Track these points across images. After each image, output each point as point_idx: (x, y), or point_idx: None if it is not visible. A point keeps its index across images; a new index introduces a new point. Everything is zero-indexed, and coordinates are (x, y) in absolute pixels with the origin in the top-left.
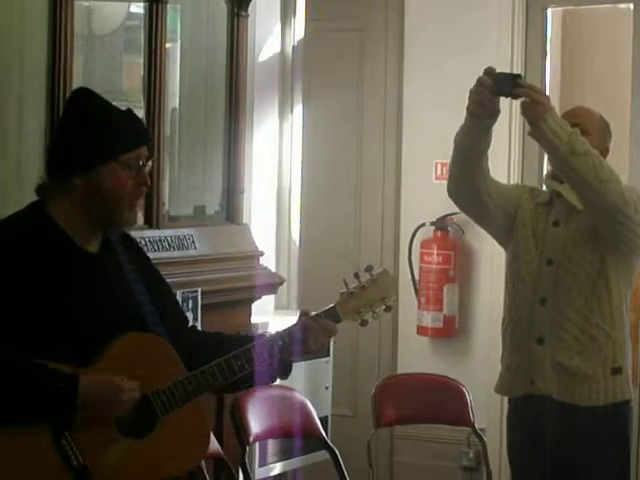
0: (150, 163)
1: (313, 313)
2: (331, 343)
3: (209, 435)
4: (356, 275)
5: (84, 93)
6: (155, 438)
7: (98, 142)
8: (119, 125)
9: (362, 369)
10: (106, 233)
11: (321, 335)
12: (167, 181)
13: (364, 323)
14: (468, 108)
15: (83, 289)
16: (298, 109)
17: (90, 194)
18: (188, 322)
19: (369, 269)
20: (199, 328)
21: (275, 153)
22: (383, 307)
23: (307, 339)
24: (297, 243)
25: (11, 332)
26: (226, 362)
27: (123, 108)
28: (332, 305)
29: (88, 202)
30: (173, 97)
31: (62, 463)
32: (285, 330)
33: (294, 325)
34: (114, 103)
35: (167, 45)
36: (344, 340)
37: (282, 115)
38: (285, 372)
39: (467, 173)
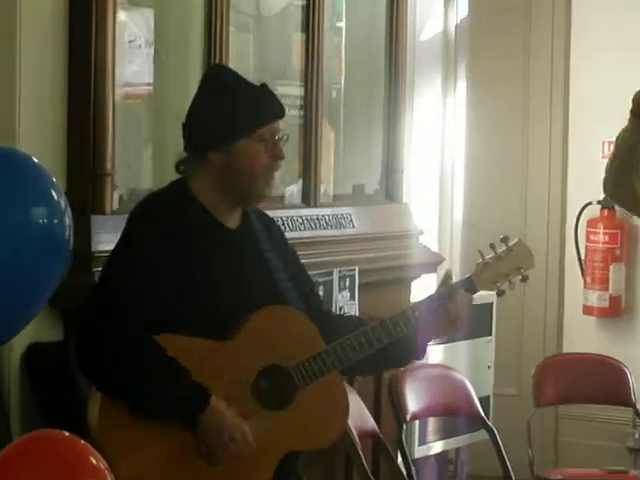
0: (286, 137)
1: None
2: (493, 323)
3: (348, 408)
4: (492, 246)
5: (218, 70)
6: (294, 410)
7: (232, 118)
8: (253, 100)
9: (527, 349)
10: (242, 207)
11: (456, 306)
12: (326, 160)
13: (500, 293)
14: (632, 111)
15: (223, 263)
16: (461, 87)
17: (226, 169)
18: (322, 304)
19: (505, 240)
20: (356, 306)
21: (437, 131)
22: (519, 277)
23: (443, 309)
24: (460, 222)
25: (153, 303)
26: (364, 334)
27: (257, 84)
28: (468, 275)
29: (225, 177)
30: (339, 76)
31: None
32: (421, 301)
33: (430, 296)
34: (283, 82)
35: (338, 24)
36: (509, 320)
37: (445, 93)
38: (420, 353)
39: (625, 174)
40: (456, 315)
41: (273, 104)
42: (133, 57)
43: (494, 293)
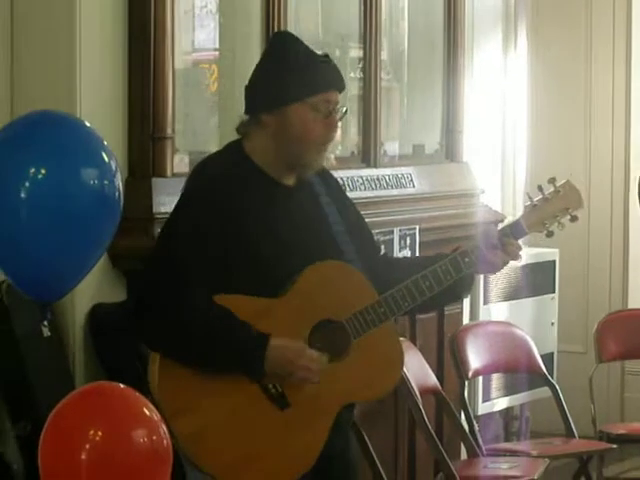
0: (344, 110)
1: (499, 227)
2: (556, 280)
3: (402, 359)
4: (539, 188)
5: (283, 36)
6: (349, 362)
7: (287, 82)
8: (310, 68)
9: (592, 306)
10: (293, 173)
11: (506, 251)
12: (392, 120)
13: (550, 234)
14: None
15: (280, 219)
16: (522, 45)
17: (279, 132)
18: (380, 250)
19: (552, 181)
20: None
21: (499, 90)
22: (568, 217)
23: (490, 255)
24: (522, 180)
25: (211, 260)
26: (414, 283)
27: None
28: (517, 218)
29: (277, 140)
30: (402, 38)
31: (261, 391)
32: (470, 246)
33: (477, 241)
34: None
35: None
36: (573, 277)
37: (506, 52)
38: (467, 288)
39: None
40: (503, 260)
41: (331, 75)
42: (198, 23)
43: (557, 251)
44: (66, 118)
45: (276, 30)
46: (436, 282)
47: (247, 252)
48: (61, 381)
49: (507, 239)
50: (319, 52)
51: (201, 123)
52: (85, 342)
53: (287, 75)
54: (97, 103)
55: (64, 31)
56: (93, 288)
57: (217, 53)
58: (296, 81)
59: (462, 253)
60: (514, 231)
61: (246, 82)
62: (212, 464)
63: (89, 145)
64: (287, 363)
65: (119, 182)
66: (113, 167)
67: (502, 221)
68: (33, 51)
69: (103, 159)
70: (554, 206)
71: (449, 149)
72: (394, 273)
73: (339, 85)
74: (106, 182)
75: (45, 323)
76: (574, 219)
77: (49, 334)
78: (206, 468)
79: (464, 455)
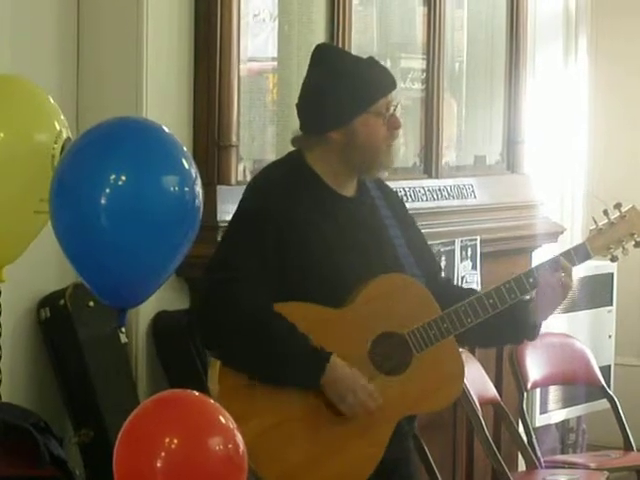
0: (398, 105)
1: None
2: (614, 293)
3: (463, 374)
4: (605, 212)
5: (325, 49)
6: (411, 375)
7: (349, 96)
8: (366, 76)
9: None
10: (365, 177)
11: (564, 276)
12: (448, 132)
13: (614, 259)
14: None
15: (341, 230)
16: (582, 57)
17: (347, 145)
18: (441, 271)
19: (618, 206)
20: (478, 276)
21: (560, 101)
22: (633, 243)
23: (557, 276)
24: (582, 192)
25: (270, 272)
26: (478, 300)
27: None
28: (582, 242)
29: (346, 152)
30: (461, 49)
31: (322, 401)
32: (534, 267)
33: (542, 263)
34: (406, 55)
35: None
36: (630, 289)
37: (566, 63)
38: (536, 330)
39: None
40: (567, 283)
41: (386, 76)
42: (257, 31)
43: (615, 264)
44: (146, 124)
45: (340, 40)
46: (500, 300)
47: (307, 262)
48: (124, 387)
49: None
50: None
51: (260, 132)
52: (148, 349)
53: (347, 89)
54: (163, 110)
55: (131, 38)
56: (157, 295)
57: (275, 63)
58: (357, 93)
59: (527, 273)
60: (578, 254)
61: None
62: (270, 471)
63: (169, 151)
64: (346, 391)
65: (199, 189)
66: (193, 174)
67: (562, 233)
68: (99, 58)
69: (183, 166)
70: (620, 231)
71: (510, 160)
72: (452, 295)
73: (393, 85)
74: (187, 189)
75: (122, 329)
76: (638, 245)
77: (126, 340)
78: (265, 475)
79: (521, 466)
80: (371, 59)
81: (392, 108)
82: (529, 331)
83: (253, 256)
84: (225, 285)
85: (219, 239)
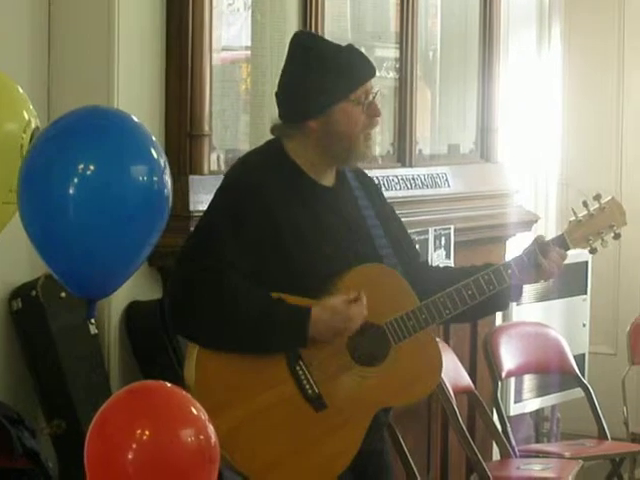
0: (378, 93)
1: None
2: (588, 281)
3: (441, 365)
4: (585, 204)
5: (303, 37)
6: (388, 366)
7: (327, 85)
8: (344, 64)
9: (623, 307)
10: (342, 166)
11: (552, 262)
12: (422, 120)
13: (593, 251)
14: None
15: (319, 220)
16: (556, 46)
17: (326, 134)
18: (419, 256)
19: (597, 197)
20: (451, 265)
21: (533, 90)
22: (612, 235)
23: (538, 265)
24: (555, 180)
25: (246, 260)
26: (456, 291)
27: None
28: (561, 233)
29: (324, 141)
30: (435, 38)
31: (298, 391)
32: (516, 257)
33: (525, 252)
34: (379, 44)
35: None
36: (604, 278)
37: (539, 51)
38: (517, 296)
39: None
40: (548, 272)
41: (364, 64)
42: (232, 21)
43: (586, 250)
44: (115, 113)
45: (313, 29)
46: (478, 292)
47: (285, 252)
48: (96, 378)
49: (552, 247)
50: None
51: (233, 121)
52: (121, 339)
53: (325, 78)
54: (134, 100)
55: (102, 27)
56: (129, 286)
57: (248, 52)
58: (336, 82)
59: (505, 265)
60: (557, 245)
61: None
62: (246, 462)
63: (138, 141)
64: (334, 331)
65: (168, 179)
66: (162, 164)
67: (536, 221)
68: (70, 47)
69: (152, 155)
70: (599, 223)
71: (484, 149)
72: (432, 281)
73: (372, 72)
74: (155, 179)
75: (92, 321)
76: (617, 237)
77: (96, 332)
78: (240, 466)
79: (495, 455)
80: (350, 46)
81: (371, 96)
82: (505, 305)
83: (232, 243)
84: (204, 272)
85: (192, 229)
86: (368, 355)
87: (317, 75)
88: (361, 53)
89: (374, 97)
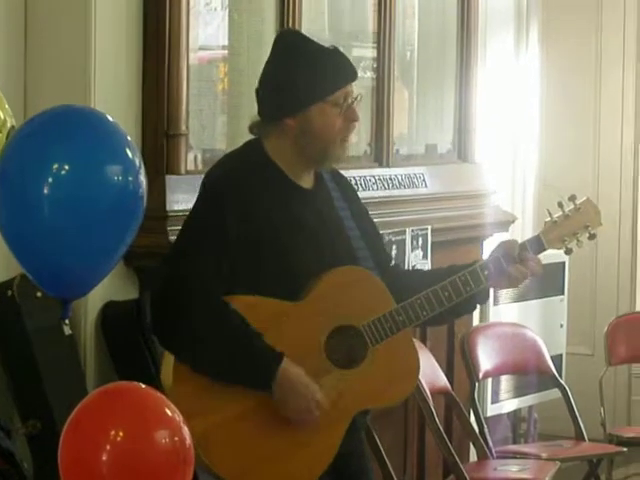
0: (359, 98)
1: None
2: (565, 282)
3: (418, 367)
4: (560, 204)
5: (290, 35)
6: (366, 369)
7: (307, 83)
8: (326, 65)
9: (600, 308)
10: (317, 168)
11: (526, 266)
12: (399, 120)
13: (568, 251)
14: None
15: (298, 222)
16: (533, 47)
17: (302, 133)
18: (391, 261)
19: (572, 198)
20: (429, 265)
21: (511, 90)
22: (587, 235)
23: (510, 269)
24: (533, 181)
25: (227, 264)
26: (433, 293)
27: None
28: (537, 234)
29: (300, 140)
30: (412, 38)
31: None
32: (489, 259)
33: (497, 254)
34: (357, 44)
35: None
36: (581, 279)
37: (517, 52)
38: (484, 298)
39: None
40: (523, 274)
41: (346, 67)
42: (208, 20)
43: (561, 251)
44: (89, 112)
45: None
46: (455, 293)
47: (262, 254)
48: (72, 379)
49: (527, 253)
50: (326, 45)
51: (210, 121)
52: (97, 340)
53: (306, 77)
54: (111, 99)
55: (79, 26)
56: (105, 286)
57: (225, 52)
58: (316, 81)
59: (482, 266)
60: (532, 246)
61: (256, 79)
62: (225, 466)
63: (113, 140)
64: (295, 398)
65: (143, 178)
66: (137, 163)
67: (513, 222)
68: (46, 47)
69: (127, 155)
70: (574, 223)
71: (461, 149)
72: (404, 284)
73: (354, 76)
74: (130, 178)
75: (66, 322)
76: (592, 237)
77: (70, 332)
78: (218, 470)
79: (472, 457)
80: (334, 48)
81: (350, 99)
82: (480, 302)
83: (210, 249)
84: (181, 280)
85: (169, 229)
86: (346, 357)
87: (299, 73)
88: (345, 56)
89: (354, 101)
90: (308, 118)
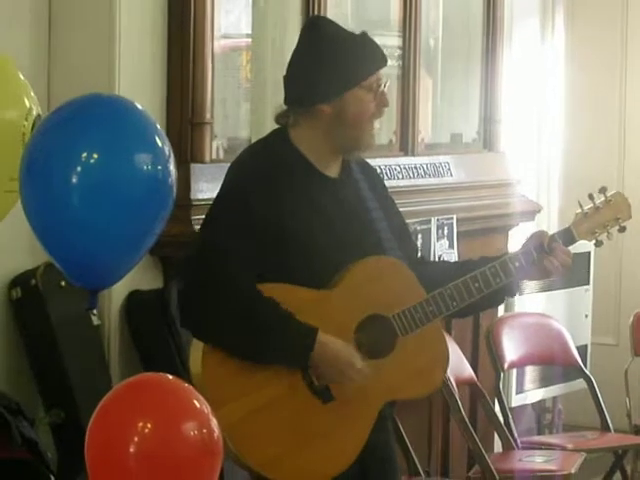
0: (388, 83)
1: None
2: (591, 272)
3: (448, 358)
4: (590, 196)
5: (319, 21)
6: (395, 359)
7: (342, 68)
8: (359, 50)
9: (626, 298)
10: (347, 156)
11: (556, 257)
12: (424, 109)
13: (599, 243)
14: None
15: (324, 212)
16: (559, 35)
17: (336, 120)
18: (418, 252)
19: (603, 190)
20: (455, 255)
21: (536, 80)
22: (617, 227)
23: (542, 260)
24: (558, 170)
25: (255, 253)
26: (464, 284)
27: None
28: (567, 226)
29: (333, 127)
30: (436, 26)
31: (305, 384)
32: (520, 250)
33: (528, 246)
34: (381, 32)
35: None
36: (607, 269)
37: (543, 41)
38: (514, 292)
39: None
40: (554, 267)
41: (377, 53)
42: (231, 7)
43: (591, 242)
44: (119, 101)
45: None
46: (485, 284)
47: (290, 244)
48: (96, 368)
49: (557, 245)
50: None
51: (234, 109)
52: (121, 329)
53: (340, 62)
54: (136, 87)
55: (104, 14)
56: (130, 275)
57: (249, 40)
58: (350, 67)
59: (512, 257)
60: (564, 238)
61: (280, 67)
62: (253, 456)
63: (142, 129)
64: (335, 368)
65: (173, 167)
66: (167, 152)
67: (539, 211)
68: (71, 34)
69: (157, 143)
70: (605, 215)
71: (487, 138)
72: (431, 275)
73: (384, 61)
74: (160, 167)
75: (94, 312)
76: (622, 230)
77: (99, 322)
78: (246, 459)
79: (497, 447)
80: (364, 34)
81: (382, 85)
82: (509, 295)
83: (239, 239)
84: (213, 268)
85: (193, 218)
86: (375, 347)
87: (333, 59)
88: (375, 42)
89: (384, 86)
90: (343, 104)
